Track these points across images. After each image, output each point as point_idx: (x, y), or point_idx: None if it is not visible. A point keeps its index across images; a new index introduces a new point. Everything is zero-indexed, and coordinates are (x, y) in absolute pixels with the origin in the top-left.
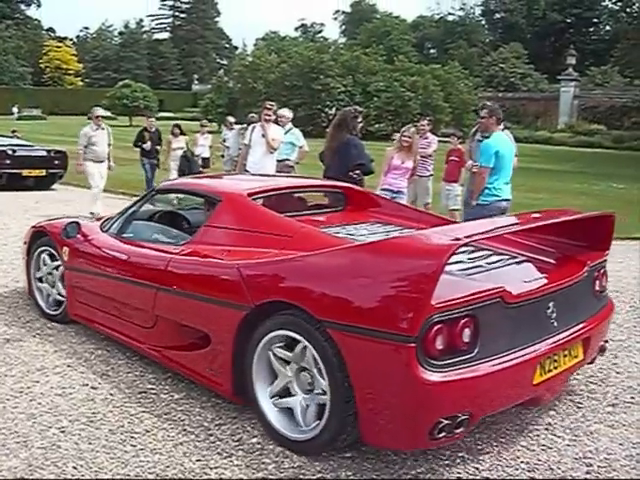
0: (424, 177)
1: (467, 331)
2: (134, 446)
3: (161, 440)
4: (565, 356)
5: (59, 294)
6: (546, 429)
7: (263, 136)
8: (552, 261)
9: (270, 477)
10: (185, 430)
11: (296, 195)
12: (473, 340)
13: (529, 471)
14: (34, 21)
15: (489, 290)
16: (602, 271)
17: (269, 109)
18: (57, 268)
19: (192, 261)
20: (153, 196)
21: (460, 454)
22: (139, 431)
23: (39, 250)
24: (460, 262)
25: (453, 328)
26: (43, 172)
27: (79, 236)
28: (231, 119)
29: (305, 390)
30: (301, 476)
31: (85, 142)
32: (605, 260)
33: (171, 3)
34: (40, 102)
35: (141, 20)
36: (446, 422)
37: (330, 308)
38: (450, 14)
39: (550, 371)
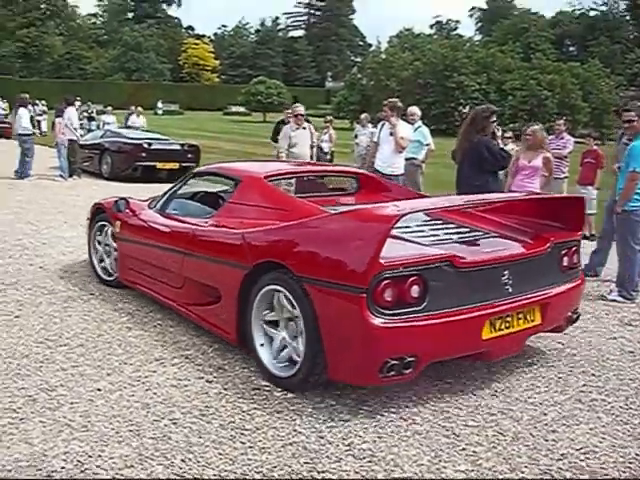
0: (558, 179)
1: (416, 287)
2: (243, 443)
3: (270, 439)
4: (519, 319)
5: (112, 264)
6: None
7: (391, 134)
8: (518, 237)
9: None
10: (295, 430)
11: (312, 179)
12: (422, 295)
13: None
14: (174, 20)
15: (438, 255)
16: (573, 249)
17: (385, 105)
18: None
19: (210, 230)
20: (191, 178)
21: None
22: (249, 428)
23: (98, 224)
24: (433, 236)
25: (401, 284)
26: (176, 165)
27: (128, 211)
28: (366, 116)
29: (291, 336)
30: None
31: (286, 144)
32: (576, 240)
33: (307, 1)
34: (178, 97)
35: (277, 18)
36: (394, 362)
37: (305, 266)
38: (592, 9)
39: (501, 330)
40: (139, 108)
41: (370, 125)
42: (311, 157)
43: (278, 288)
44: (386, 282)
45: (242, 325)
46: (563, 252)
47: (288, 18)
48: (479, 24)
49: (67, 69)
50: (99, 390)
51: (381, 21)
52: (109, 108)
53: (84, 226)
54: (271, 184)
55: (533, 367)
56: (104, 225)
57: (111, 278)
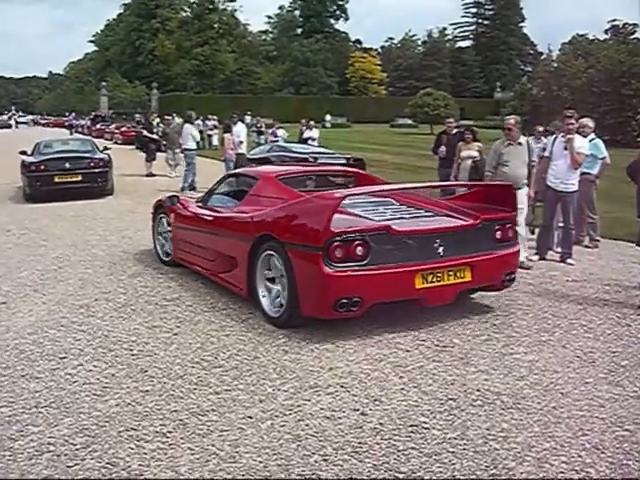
0: None
1: (360, 248)
2: None
3: None
4: (450, 275)
5: (170, 247)
6: None
7: (565, 148)
8: (457, 215)
9: None
10: (454, 477)
11: (320, 177)
12: (365, 254)
13: None
14: (342, 34)
15: (377, 225)
16: (507, 226)
17: (570, 117)
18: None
19: (232, 215)
20: (226, 179)
21: None
22: (404, 471)
23: (159, 216)
24: (389, 213)
25: (348, 245)
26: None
27: (179, 205)
28: (540, 128)
29: (283, 287)
30: None
31: (495, 162)
32: (507, 219)
33: (475, 11)
34: (345, 110)
35: (444, 29)
36: (344, 301)
37: (286, 235)
38: None
39: (432, 282)
40: (311, 122)
41: (543, 138)
42: (528, 177)
43: (272, 253)
44: (336, 244)
45: (251, 282)
46: (496, 227)
47: (456, 29)
48: None
49: (238, 84)
50: (250, 418)
51: (552, 28)
52: (274, 122)
53: None
54: (280, 181)
55: None
56: (163, 217)
57: (168, 259)
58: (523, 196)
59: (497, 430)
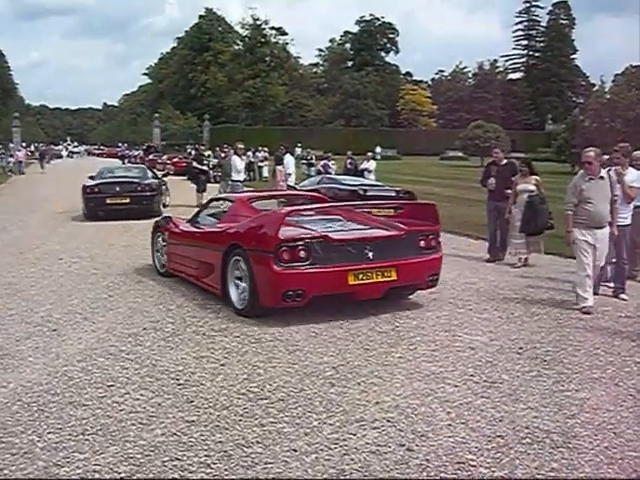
0: None
1: (303, 252)
2: None
3: None
4: (378, 274)
5: (165, 260)
6: None
7: (618, 182)
8: (387, 227)
9: None
10: None
11: (286, 200)
12: (307, 256)
13: None
14: (392, 67)
15: (317, 235)
16: (430, 237)
17: (616, 151)
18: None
19: (210, 230)
20: (210, 202)
21: None
22: None
23: (157, 235)
24: (332, 226)
25: (293, 250)
26: (391, 212)
27: (172, 224)
28: None
29: (246, 286)
30: None
31: (575, 199)
32: (431, 232)
33: (525, 43)
34: (395, 143)
35: (495, 61)
36: (290, 293)
37: (248, 243)
38: None
39: (363, 280)
40: (369, 154)
41: None
42: (611, 213)
43: (238, 258)
44: (284, 248)
45: (224, 283)
46: (420, 237)
47: (507, 61)
48: None
49: (289, 117)
50: (295, 451)
51: (605, 60)
52: (329, 154)
53: None
54: (251, 203)
55: None
56: (160, 235)
57: (163, 270)
58: (606, 236)
59: (546, 470)
